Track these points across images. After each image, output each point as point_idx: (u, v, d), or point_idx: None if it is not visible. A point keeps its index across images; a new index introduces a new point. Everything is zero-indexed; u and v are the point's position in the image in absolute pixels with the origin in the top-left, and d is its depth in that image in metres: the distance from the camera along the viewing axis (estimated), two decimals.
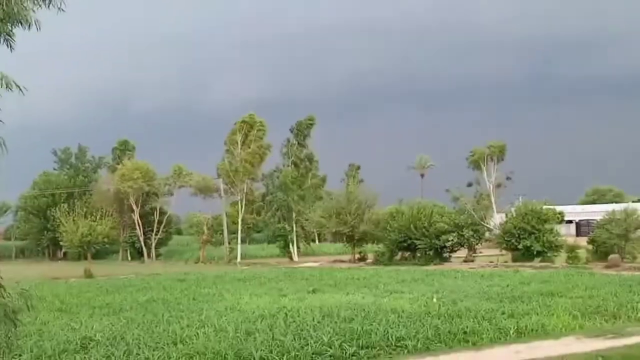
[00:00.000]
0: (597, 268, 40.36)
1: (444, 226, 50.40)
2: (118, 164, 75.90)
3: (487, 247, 55.64)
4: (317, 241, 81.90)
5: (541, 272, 36.87)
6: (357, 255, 57.39)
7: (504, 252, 51.04)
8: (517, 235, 48.16)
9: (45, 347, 15.37)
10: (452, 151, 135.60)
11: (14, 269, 43.99)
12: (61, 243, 65.79)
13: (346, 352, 14.59)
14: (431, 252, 51.28)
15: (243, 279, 36.92)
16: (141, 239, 71.32)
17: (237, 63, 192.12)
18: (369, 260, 55.24)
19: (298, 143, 67.66)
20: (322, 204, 65.66)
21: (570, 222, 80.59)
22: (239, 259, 62.42)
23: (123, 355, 14.50)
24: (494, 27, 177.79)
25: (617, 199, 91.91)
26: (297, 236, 65.16)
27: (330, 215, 57.66)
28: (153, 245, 72.13)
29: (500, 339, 16.41)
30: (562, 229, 58.88)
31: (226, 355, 14.24)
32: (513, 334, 16.78)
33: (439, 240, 50.46)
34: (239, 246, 65.26)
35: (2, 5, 6.76)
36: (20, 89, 6.95)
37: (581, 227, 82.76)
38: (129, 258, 74.41)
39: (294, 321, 18.46)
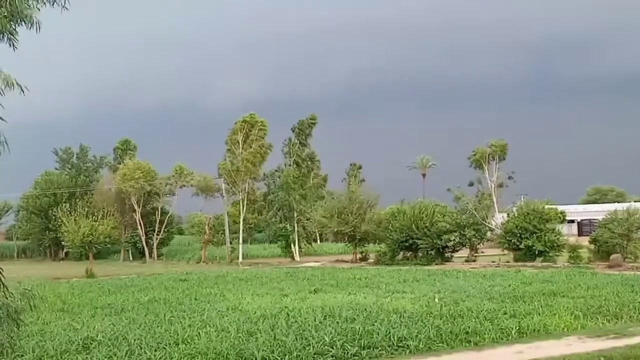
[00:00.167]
0: (599, 268, 40.32)
1: (446, 226, 50.35)
2: (119, 163, 75.91)
3: (489, 247, 55.60)
4: (318, 241, 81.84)
5: (543, 272, 36.84)
6: (358, 255, 57.37)
7: (505, 251, 50.97)
8: (518, 235, 48.11)
9: (47, 348, 15.40)
10: (454, 151, 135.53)
11: (15, 268, 44.11)
12: (63, 243, 65.93)
13: (348, 353, 14.60)
14: (433, 252, 51.22)
15: (245, 279, 36.92)
16: (143, 239, 71.29)
17: (238, 62, 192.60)
18: (370, 260, 55.21)
19: (300, 142, 67.61)
20: (323, 204, 65.61)
21: (572, 221, 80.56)
22: (240, 259, 62.40)
23: (125, 355, 14.52)
24: (496, 27, 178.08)
25: (619, 198, 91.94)
26: (298, 236, 65.14)
27: (332, 215, 57.64)
28: (155, 245, 72.10)
29: (502, 339, 16.41)
30: (564, 228, 58.83)
31: (228, 356, 14.25)
32: (515, 334, 16.79)
33: (441, 240, 50.41)
34: (240, 246, 65.22)
35: (7, 4, 6.76)
36: (22, 89, 6.94)
37: (583, 227, 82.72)
38: (131, 258, 74.39)
39: (296, 321, 18.47)
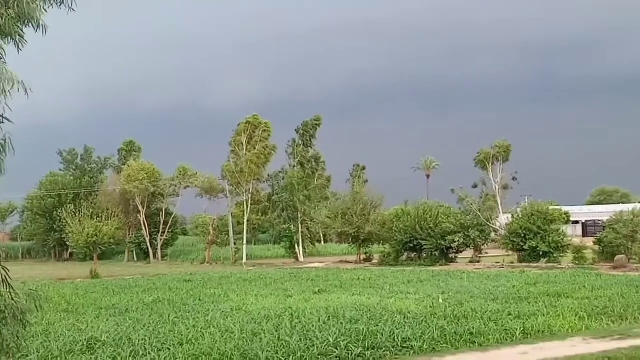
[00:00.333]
0: (604, 269, 40.25)
1: (450, 227, 50.35)
2: (124, 164, 76.05)
3: (493, 248, 55.60)
4: (322, 242, 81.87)
5: (547, 272, 36.78)
6: (362, 256, 57.40)
7: (510, 252, 50.95)
8: (523, 236, 48.08)
9: (52, 348, 15.42)
10: (457, 151, 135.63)
11: (20, 269, 44.18)
12: (67, 244, 66.00)
13: (352, 353, 14.58)
14: (437, 253, 51.23)
15: (249, 279, 36.95)
16: (147, 239, 71.38)
17: (240, 62, 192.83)
18: (374, 261, 55.24)
19: (304, 143, 67.63)
20: (327, 205, 65.59)
21: (576, 222, 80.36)
22: (244, 260, 62.44)
23: (129, 356, 14.53)
24: (496, 27, 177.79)
25: (623, 199, 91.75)
26: (302, 237, 65.14)
27: (336, 216, 57.70)
28: (159, 246, 72.23)
29: (506, 340, 16.39)
30: (569, 229, 58.71)
31: (232, 356, 14.25)
32: (519, 335, 16.76)
33: (445, 240, 50.40)
34: (244, 247, 65.25)
35: (15, 6, 6.79)
36: (26, 91, 6.97)
37: (587, 228, 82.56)
38: (135, 259, 74.53)
39: (300, 322, 18.45)
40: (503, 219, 53.40)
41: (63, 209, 60.97)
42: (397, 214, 57.44)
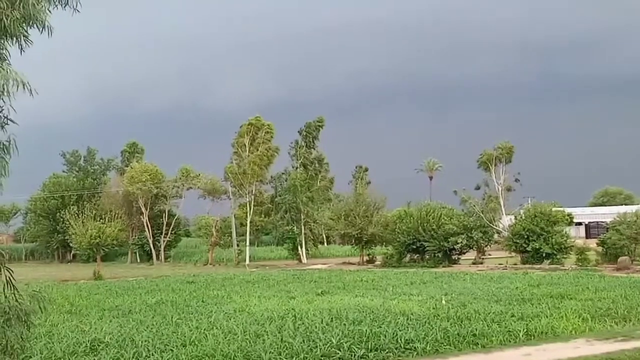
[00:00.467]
0: (607, 270, 40.19)
1: (453, 228, 50.31)
2: (127, 166, 76.16)
3: (496, 250, 55.51)
4: (325, 243, 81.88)
5: (550, 274, 36.74)
6: (365, 258, 57.39)
7: (513, 254, 50.88)
8: (526, 237, 48.01)
9: (55, 349, 15.44)
10: (460, 152, 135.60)
11: (23, 271, 44.28)
12: (71, 245, 66.12)
13: (355, 355, 14.58)
14: (440, 254, 51.21)
15: (252, 281, 36.97)
16: (150, 241, 71.46)
17: (242, 63, 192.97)
18: (377, 263, 55.21)
19: (306, 145, 67.64)
20: (330, 206, 65.55)
21: (579, 224, 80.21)
22: (247, 261, 62.45)
23: (132, 357, 14.55)
24: (505, 27, 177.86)
25: (627, 201, 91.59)
26: (305, 238, 65.13)
27: (339, 217, 57.73)
28: (162, 247, 72.27)
29: (509, 341, 16.37)
30: (572, 231, 58.61)
31: (235, 358, 14.27)
32: (522, 336, 16.74)
33: (448, 242, 50.38)
34: (247, 248, 65.31)
35: (20, 7, 6.81)
36: (31, 92, 6.98)
37: (591, 229, 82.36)
38: (138, 260, 74.57)
39: (303, 323, 18.46)
40: (506, 221, 53.35)
41: (66, 210, 61.12)
42: (400, 216, 57.42)
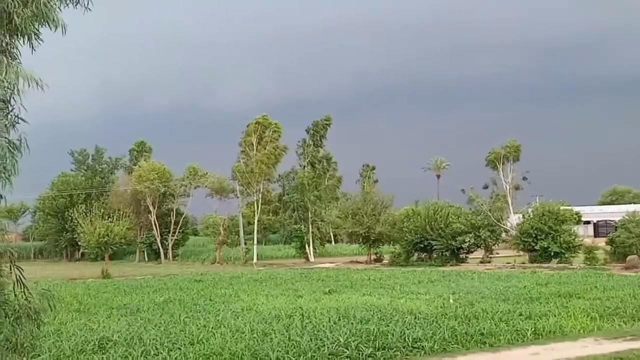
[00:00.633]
0: (616, 269, 40.05)
1: (461, 227, 50.24)
2: (135, 164, 76.37)
3: (504, 248, 55.42)
4: (333, 242, 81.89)
5: (559, 273, 36.64)
6: (373, 256, 57.39)
7: (521, 253, 50.77)
8: (534, 236, 47.89)
9: (64, 347, 15.51)
10: (467, 151, 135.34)
11: (32, 269, 44.43)
12: (79, 244, 66.37)
13: (362, 353, 14.59)
14: (447, 253, 51.14)
15: (259, 279, 37.01)
16: (158, 239, 71.64)
17: (247, 63, 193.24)
18: (385, 261, 55.20)
19: (314, 143, 67.62)
20: (338, 205, 65.52)
21: (588, 223, 79.97)
22: (255, 260, 62.54)
23: (140, 355, 14.60)
24: (505, 27, 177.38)
25: (635, 200, 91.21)
26: (313, 237, 65.14)
27: (347, 216, 57.74)
28: (170, 246, 72.47)
29: (517, 340, 16.34)
30: (580, 229, 58.42)
31: (242, 356, 14.28)
32: (530, 335, 16.71)
33: (456, 241, 50.31)
34: (255, 247, 65.40)
35: (33, 6, 6.84)
36: (42, 88, 7.01)
37: (599, 228, 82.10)
38: (146, 259, 74.81)
39: (310, 322, 18.47)
40: (514, 219, 53.23)
41: (74, 209, 61.38)
42: (408, 214, 57.39)
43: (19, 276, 7.21)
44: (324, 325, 17.62)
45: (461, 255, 52.05)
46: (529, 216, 50.27)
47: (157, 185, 69.06)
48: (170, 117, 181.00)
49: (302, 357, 14.24)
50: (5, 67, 6.63)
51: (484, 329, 16.99)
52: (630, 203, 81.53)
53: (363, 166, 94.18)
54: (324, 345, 14.95)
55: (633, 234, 45.08)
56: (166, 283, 36.39)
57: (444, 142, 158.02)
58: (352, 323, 17.93)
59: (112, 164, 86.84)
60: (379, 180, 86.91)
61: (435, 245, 50.98)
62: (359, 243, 61.60)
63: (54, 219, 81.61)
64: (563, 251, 47.12)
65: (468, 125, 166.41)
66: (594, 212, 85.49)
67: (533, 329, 17.11)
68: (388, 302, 23.41)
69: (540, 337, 16.76)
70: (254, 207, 66.32)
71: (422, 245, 52.41)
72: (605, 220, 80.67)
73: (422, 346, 15.36)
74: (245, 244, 66.82)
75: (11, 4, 6.74)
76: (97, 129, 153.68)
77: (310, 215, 64.01)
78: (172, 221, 72.31)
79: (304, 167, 67.02)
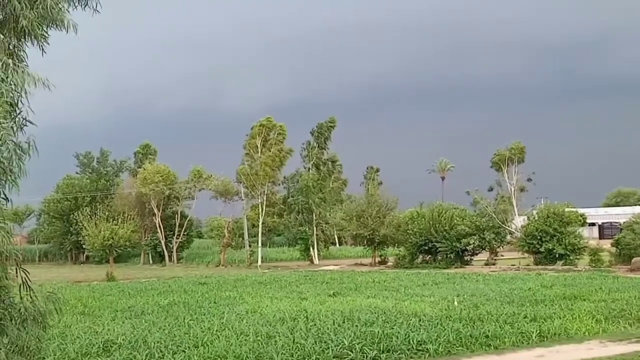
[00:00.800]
0: (621, 271, 39.92)
1: (465, 229, 50.16)
2: (139, 167, 76.47)
3: (509, 250, 55.31)
4: (337, 244, 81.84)
5: (564, 275, 36.55)
6: (377, 259, 57.33)
7: (525, 255, 50.69)
8: (539, 238, 47.77)
9: (69, 350, 15.56)
10: (471, 153, 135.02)
11: (37, 272, 44.50)
12: (84, 246, 66.48)
13: (367, 356, 14.59)
14: (452, 255, 51.07)
15: (264, 282, 37.03)
16: (162, 242, 71.71)
17: (252, 66, 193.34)
18: (389, 264, 55.14)
19: (319, 146, 67.61)
20: (342, 207, 65.48)
21: (593, 224, 79.81)
22: (259, 262, 62.57)
23: (145, 358, 14.64)
24: (505, 27, 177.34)
25: None
26: (317, 239, 65.12)
27: (351, 218, 57.70)
28: (174, 248, 72.50)
29: (522, 343, 16.32)
30: (585, 231, 58.29)
31: (247, 359, 14.30)
32: (535, 338, 16.68)
33: (460, 243, 50.23)
34: (259, 249, 65.40)
35: (40, 7, 6.87)
36: (49, 87, 7.03)
37: (604, 230, 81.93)
38: (151, 261, 74.84)
39: (315, 325, 18.48)
40: (519, 221, 53.13)
41: (79, 211, 61.55)
42: (412, 216, 57.29)
43: (25, 279, 7.23)
44: (328, 328, 17.62)
45: (466, 258, 51.97)
46: (533, 218, 50.18)
47: (161, 188, 69.13)
48: (176, 119, 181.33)
49: (306, 359, 14.24)
50: (12, 70, 6.65)
51: (488, 331, 16.97)
52: (636, 205, 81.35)
53: (367, 168, 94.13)
54: (329, 348, 14.96)
55: (638, 235, 44.93)
56: (171, 286, 36.41)
57: (453, 144, 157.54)
58: (356, 325, 17.93)
59: (117, 166, 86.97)
60: (383, 182, 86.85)
61: (439, 247, 50.92)
62: (364, 245, 61.47)
63: (58, 221, 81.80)
64: (568, 253, 47.00)
65: (470, 126, 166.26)
66: (598, 214, 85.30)
67: (538, 332, 17.08)
68: (392, 304, 23.39)
69: (545, 339, 16.73)
70: (258, 209, 66.29)
71: (426, 248, 52.35)
72: (610, 222, 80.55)
73: (427, 349, 15.35)
74: (250, 246, 66.85)
75: (18, 6, 6.77)
76: (103, 131, 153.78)
77: (314, 218, 63.99)
78: (177, 224, 72.37)
79: (309, 169, 67.02)
